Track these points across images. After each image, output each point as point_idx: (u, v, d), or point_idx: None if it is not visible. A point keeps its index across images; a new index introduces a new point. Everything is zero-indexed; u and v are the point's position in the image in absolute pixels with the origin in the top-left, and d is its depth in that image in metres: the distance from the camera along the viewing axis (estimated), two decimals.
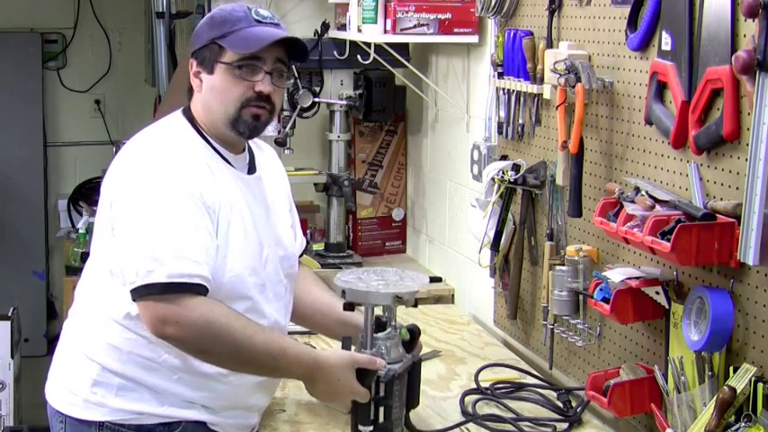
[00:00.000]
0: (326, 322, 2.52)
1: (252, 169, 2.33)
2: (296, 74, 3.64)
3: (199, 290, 2.09)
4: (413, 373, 2.34)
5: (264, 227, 2.29)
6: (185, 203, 2.12)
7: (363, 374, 2.22)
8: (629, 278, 2.22)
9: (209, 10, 4.94)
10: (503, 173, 2.93)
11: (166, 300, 2.07)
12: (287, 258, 2.37)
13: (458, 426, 2.47)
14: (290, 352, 2.19)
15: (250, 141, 2.36)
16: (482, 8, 3.10)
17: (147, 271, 2.07)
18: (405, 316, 3.02)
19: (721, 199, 2.05)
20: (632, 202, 2.20)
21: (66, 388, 2.25)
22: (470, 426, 2.48)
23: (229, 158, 2.27)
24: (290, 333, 2.74)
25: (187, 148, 2.22)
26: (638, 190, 2.23)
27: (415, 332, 2.37)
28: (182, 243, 2.09)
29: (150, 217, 2.11)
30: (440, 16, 3.34)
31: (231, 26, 2.20)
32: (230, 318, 2.12)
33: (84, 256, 4.38)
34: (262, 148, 2.46)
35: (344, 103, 3.90)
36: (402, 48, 3.63)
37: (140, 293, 2.09)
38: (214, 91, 2.22)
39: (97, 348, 2.21)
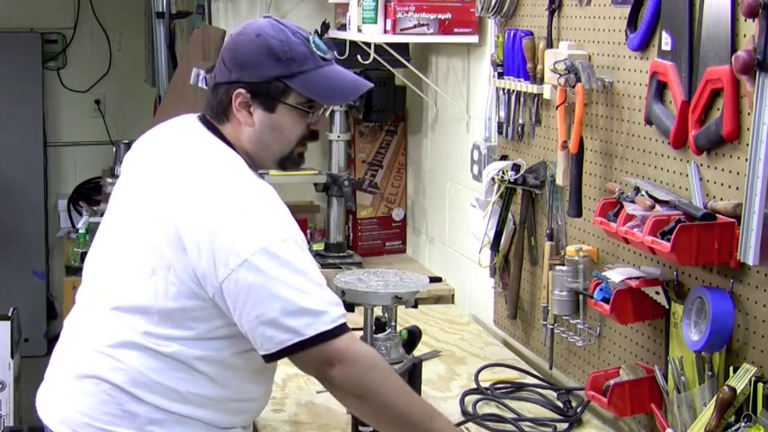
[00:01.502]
0: None
1: None
2: None
3: (347, 329, 2.06)
4: (413, 375, 2.34)
5: None
6: (302, 250, 2.06)
7: None
8: (629, 278, 2.22)
9: (209, 10, 4.94)
10: (503, 173, 2.93)
11: (328, 343, 2.02)
12: None
13: (458, 426, 2.45)
14: (442, 416, 2.17)
15: None
16: (482, 8, 3.10)
17: (306, 324, 2.00)
18: (405, 316, 3.02)
19: (721, 199, 2.05)
20: (632, 202, 2.20)
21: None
22: (470, 426, 2.48)
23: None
24: None
25: (267, 188, 2.12)
26: (638, 190, 2.23)
27: (415, 334, 2.37)
28: (321, 290, 2.04)
29: (282, 275, 2.01)
30: (440, 16, 3.33)
31: (299, 66, 2.11)
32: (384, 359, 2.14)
33: (85, 256, 4.38)
34: None
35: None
36: (402, 48, 3.63)
37: (298, 348, 2.02)
38: (275, 130, 2.15)
39: (148, 389, 2.11)
